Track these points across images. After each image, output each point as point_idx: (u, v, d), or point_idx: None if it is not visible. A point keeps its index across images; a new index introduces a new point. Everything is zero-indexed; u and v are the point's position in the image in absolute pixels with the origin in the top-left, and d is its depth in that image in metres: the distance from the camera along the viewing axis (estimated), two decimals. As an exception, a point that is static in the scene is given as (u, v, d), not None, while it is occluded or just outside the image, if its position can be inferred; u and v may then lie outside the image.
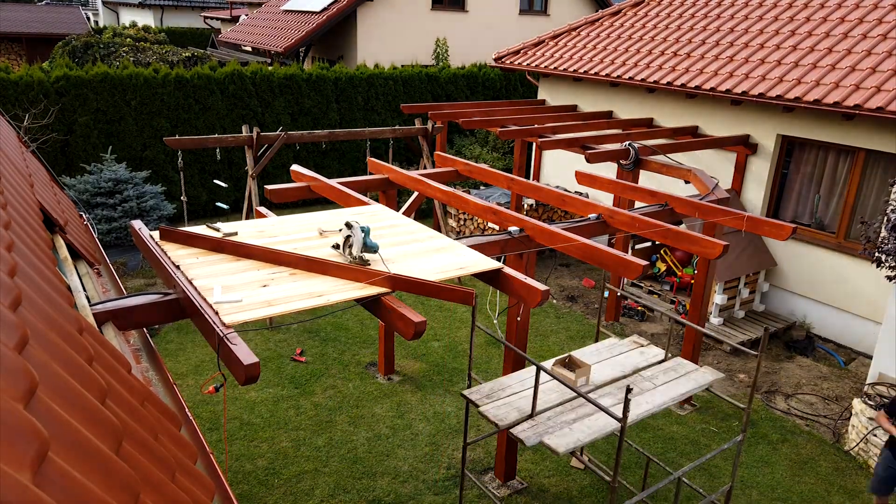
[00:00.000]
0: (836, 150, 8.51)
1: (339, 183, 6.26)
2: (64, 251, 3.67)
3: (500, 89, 15.62)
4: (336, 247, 4.35)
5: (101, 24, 30.92)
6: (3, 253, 1.96)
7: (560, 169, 12.14)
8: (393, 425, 6.51)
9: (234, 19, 24.77)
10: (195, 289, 3.62)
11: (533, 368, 4.84)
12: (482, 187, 12.28)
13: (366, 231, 4.18)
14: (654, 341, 8.35)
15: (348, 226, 4.21)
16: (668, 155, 8.55)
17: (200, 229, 4.53)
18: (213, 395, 6.84)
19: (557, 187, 8.28)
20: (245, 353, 2.96)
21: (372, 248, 4.23)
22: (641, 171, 8.45)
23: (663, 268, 9.48)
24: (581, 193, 10.17)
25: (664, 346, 7.48)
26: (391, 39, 16.66)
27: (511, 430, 4.36)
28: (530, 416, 4.40)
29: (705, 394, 7.17)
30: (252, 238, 4.64)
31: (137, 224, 4.51)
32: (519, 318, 5.41)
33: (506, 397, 4.70)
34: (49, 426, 1.30)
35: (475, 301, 3.80)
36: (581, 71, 10.85)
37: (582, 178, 7.33)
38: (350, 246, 4.16)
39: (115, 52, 16.44)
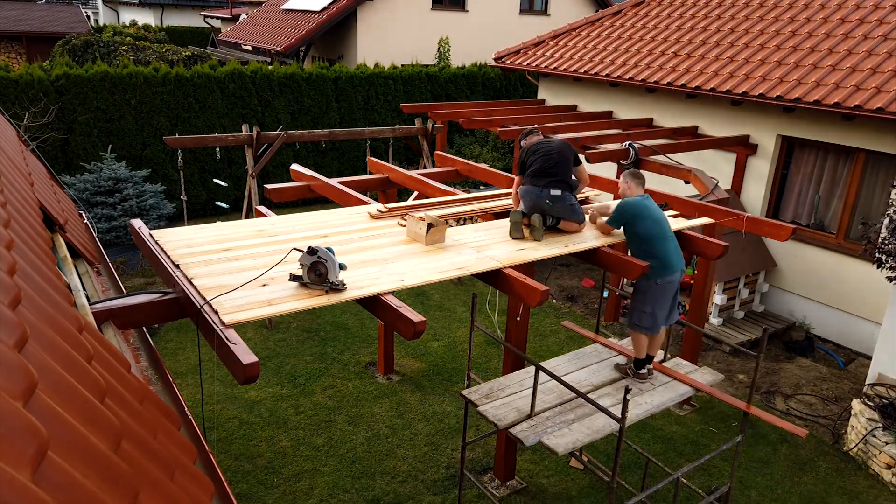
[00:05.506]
0: (836, 150, 8.51)
1: (338, 182, 6.26)
2: (63, 250, 3.66)
3: (500, 89, 15.61)
4: (296, 278, 3.64)
5: (101, 23, 30.86)
6: (3, 251, 1.96)
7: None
8: (392, 425, 6.51)
9: (235, 18, 24.74)
10: (195, 288, 3.62)
11: (532, 368, 4.83)
12: (482, 187, 12.27)
13: (332, 251, 3.69)
14: (654, 341, 8.34)
15: (312, 251, 3.58)
16: (668, 155, 8.55)
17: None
18: (212, 394, 6.84)
19: (557, 187, 8.25)
20: (244, 353, 2.96)
21: (342, 268, 3.83)
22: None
23: (663, 268, 9.47)
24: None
25: (663, 347, 7.47)
26: (391, 39, 16.65)
27: (510, 430, 4.36)
28: (529, 416, 4.40)
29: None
30: (251, 237, 4.64)
31: (137, 223, 4.51)
32: (518, 318, 5.41)
33: (505, 397, 4.70)
34: (48, 425, 1.29)
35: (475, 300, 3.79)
36: (581, 71, 10.84)
37: (582, 178, 7.30)
38: (323, 274, 3.60)
39: (115, 51, 16.44)
